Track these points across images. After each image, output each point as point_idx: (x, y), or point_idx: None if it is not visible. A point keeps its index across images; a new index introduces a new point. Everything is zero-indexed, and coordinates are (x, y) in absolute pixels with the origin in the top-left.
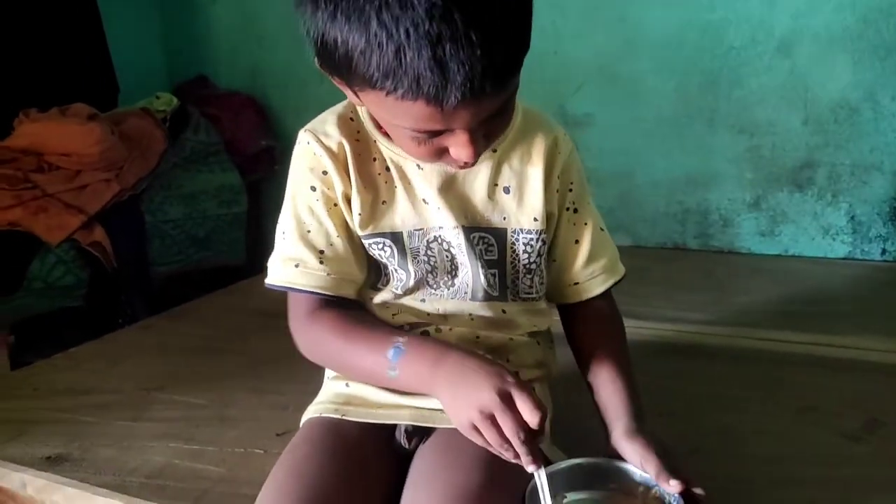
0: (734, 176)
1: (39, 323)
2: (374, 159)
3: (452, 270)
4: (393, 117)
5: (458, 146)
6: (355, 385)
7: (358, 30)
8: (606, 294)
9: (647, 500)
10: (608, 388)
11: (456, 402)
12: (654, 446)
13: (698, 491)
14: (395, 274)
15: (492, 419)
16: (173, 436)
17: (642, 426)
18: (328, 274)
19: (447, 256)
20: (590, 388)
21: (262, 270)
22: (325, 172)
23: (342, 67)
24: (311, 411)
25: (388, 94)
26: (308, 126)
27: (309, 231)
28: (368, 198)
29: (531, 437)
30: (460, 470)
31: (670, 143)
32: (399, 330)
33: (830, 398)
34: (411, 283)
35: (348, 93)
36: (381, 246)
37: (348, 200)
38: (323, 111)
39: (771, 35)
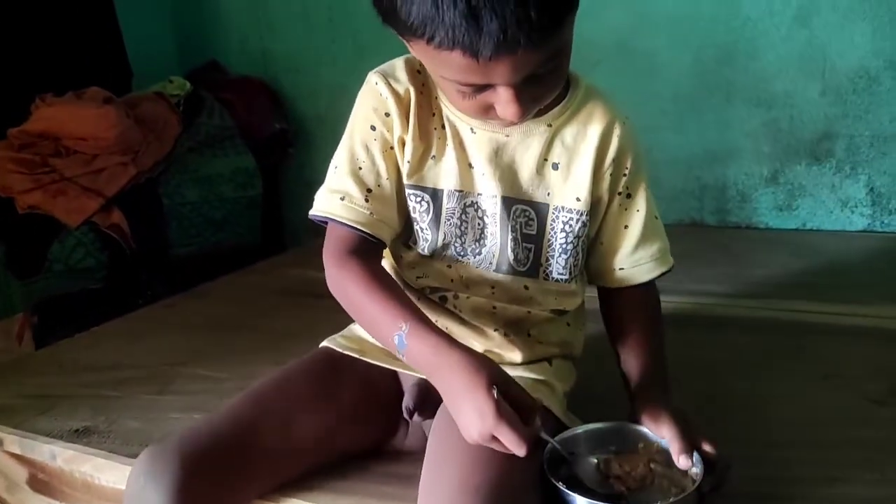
0: (751, 150)
1: (62, 304)
2: (434, 114)
3: (481, 239)
4: (436, 67)
5: (502, 103)
6: None
7: None
8: (651, 282)
9: (653, 456)
10: (635, 360)
11: (455, 419)
12: (674, 416)
13: (709, 449)
14: (421, 233)
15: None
16: (198, 408)
17: (665, 397)
18: (370, 213)
19: (478, 224)
20: (618, 358)
21: (278, 252)
22: (387, 114)
23: (389, 15)
24: (329, 341)
25: (427, 42)
26: (378, 68)
27: (360, 168)
28: (420, 148)
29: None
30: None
31: (687, 119)
32: (407, 307)
33: (854, 364)
34: (438, 244)
35: (407, 45)
36: (419, 199)
37: (403, 145)
38: (334, 94)
39: (788, 4)
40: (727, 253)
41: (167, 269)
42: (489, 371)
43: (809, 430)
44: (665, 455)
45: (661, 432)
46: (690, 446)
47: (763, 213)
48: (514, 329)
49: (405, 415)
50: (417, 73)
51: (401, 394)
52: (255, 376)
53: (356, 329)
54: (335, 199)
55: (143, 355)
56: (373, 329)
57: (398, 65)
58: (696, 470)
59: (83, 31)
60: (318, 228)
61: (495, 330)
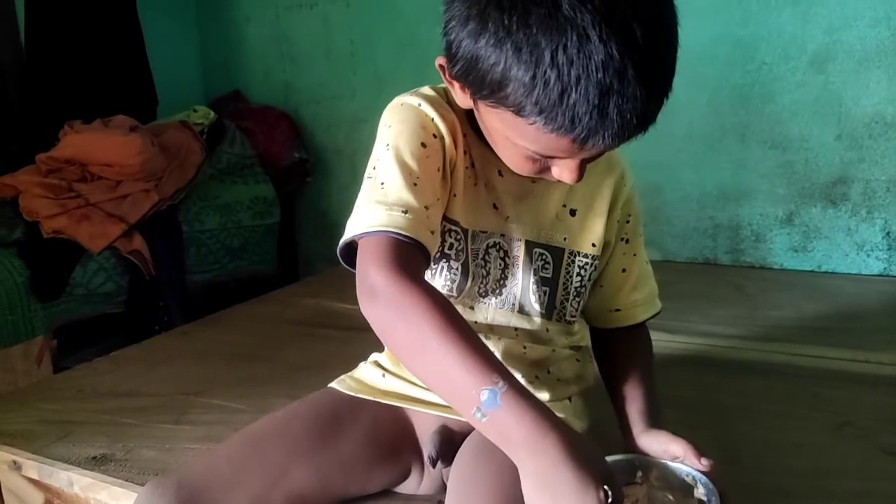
0: (766, 191)
1: (80, 328)
2: (465, 152)
3: (501, 280)
4: (519, 138)
5: (566, 170)
6: (392, 380)
7: (526, 63)
8: (642, 323)
9: (653, 483)
10: (631, 396)
11: (538, 500)
12: (676, 436)
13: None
14: (448, 271)
15: None
16: (213, 438)
17: (659, 425)
18: (432, 232)
19: (500, 265)
20: (613, 396)
21: (292, 280)
22: (435, 136)
23: (486, 87)
24: (337, 382)
25: (532, 123)
26: (410, 93)
27: (416, 183)
28: (460, 181)
29: None
30: (503, 476)
31: (701, 158)
32: (497, 361)
33: (869, 414)
34: (466, 284)
35: (463, 97)
36: (457, 235)
37: (452, 170)
38: (353, 127)
39: (804, 50)
40: (741, 293)
41: (184, 296)
42: (600, 467)
43: (822, 481)
44: (663, 482)
45: (671, 450)
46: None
47: (777, 254)
48: (540, 368)
49: (428, 464)
50: (449, 104)
51: (412, 436)
52: (270, 408)
53: (366, 371)
54: (397, 213)
55: (159, 383)
56: (445, 371)
57: (431, 92)
58: (711, 501)
59: (112, 59)
60: (333, 257)
61: (523, 373)
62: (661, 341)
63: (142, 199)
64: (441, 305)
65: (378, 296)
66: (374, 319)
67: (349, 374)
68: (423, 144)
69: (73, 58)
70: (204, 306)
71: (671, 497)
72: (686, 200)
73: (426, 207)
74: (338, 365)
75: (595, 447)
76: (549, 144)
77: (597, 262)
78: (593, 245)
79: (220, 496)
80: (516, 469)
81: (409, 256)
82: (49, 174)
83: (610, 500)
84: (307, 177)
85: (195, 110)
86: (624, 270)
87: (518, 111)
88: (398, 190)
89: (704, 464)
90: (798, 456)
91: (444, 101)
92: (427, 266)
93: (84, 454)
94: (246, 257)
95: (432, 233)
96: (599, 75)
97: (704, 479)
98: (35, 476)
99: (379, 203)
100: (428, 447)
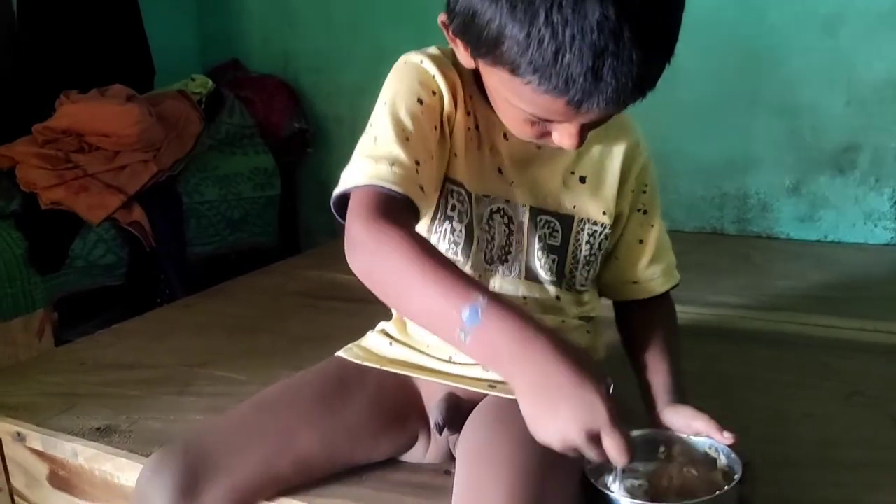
0: (774, 159)
1: (81, 301)
2: (469, 113)
3: (507, 247)
4: (516, 99)
5: (566, 135)
6: (399, 348)
7: (521, 21)
8: (666, 294)
9: (677, 458)
10: (654, 369)
11: (537, 420)
12: (700, 411)
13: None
14: (451, 234)
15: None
16: (218, 409)
17: (687, 400)
18: (421, 187)
19: (504, 231)
20: (636, 369)
21: (294, 252)
22: (434, 92)
23: (483, 44)
24: (345, 351)
25: (527, 83)
26: (416, 51)
27: (408, 139)
28: (461, 141)
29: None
30: (516, 446)
31: (708, 126)
32: (476, 282)
33: (878, 383)
34: (472, 249)
35: (465, 55)
36: (459, 196)
37: (451, 126)
38: (354, 95)
39: (814, 13)
40: (748, 263)
41: (185, 268)
42: (594, 366)
43: (831, 451)
44: (686, 457)
45: (694, 425)
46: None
47: (784, 224)
48: None
49: (435, 431)
50: (454, 66)
51: (419, 405)
52: (274, 379)
53: (373, 340)
54: (382, 166)
55: (162, 355)
56: (425, 303)
57: (437, 51)
58: (735, 469)
59: (108, 28)
60: (336, 229)
61: None
62: None
63: (140, 169)
64: (415, 240)
65: (356, 245)
66: (357, 269)
67: (356, 342)
68: (420, 100)
69: (66, 26)
70: (205, 278)
71: (695, 472)
72: (693, 170)
73: (417, 162)
74: (342, 336)
75: (586, 351)
76: (545, 106)
77: (608, 230)
78: (604, 213)
79: (227, 461)
80: (531, 438)
81: (392, 208)
82: (46, 144)
83: (610, 395)
84: (307, 147)
85: (193, 79)
86: (641, 242)
87: (513, 70)
88: (388, 144)
89: (727, 437)
90: (807, 426)
91: (449, 60)
92: (416, 220)
93: (88, 426)
94: (247, 229)
95: (422, 188)
96: (594, 36)
97: (727, 449)
98: (39, 447)
99: (368, 157)
100: (434, 414)
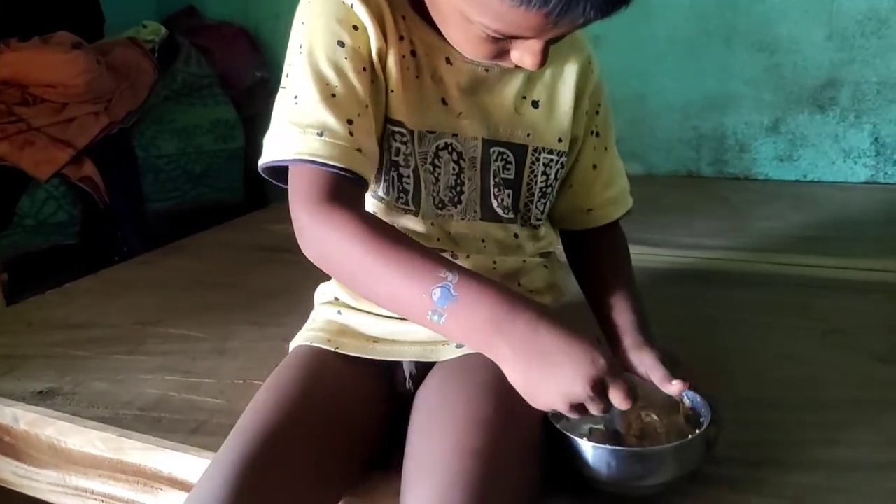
0: (752, 98)
1: (33, 261)
2: (402, 37)
3: (456, 186)
4: (479, 14)
5: (528, 53)
6: (349, 314)
7: None
8: (617, 222)
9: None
10: (615, 306)
11: (533, 385)
12: (662, 356)
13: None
14: (400, 181)
15: (579, 405)
16: (170, 368)
17: (649, 339)
18: (357, 149)
19: (453, 169)
20: (594, 307)
21: (262, 207)
22: (355, 27)
23: None
24: (301, 338)
25: None
26: None
27: (334, 95)
28: (396, 74)
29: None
30: (473, 400)
31: (685, 64)
32: (440, 256)
33: (858, 320)
34: (421, 193)
35: None
36: (403, 138)
37: (384, 62)
38: None
39: None
40: (725, 205)
41: (143, 225)
42: (581, 326)
43: (811, 391)
44: (646, 400)
45: (643, 362)
46: (670, 374)
47: (763, 164)
48: (510, 282)
49: (408, 385)
50: None
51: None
52: (231, 336)
53: (323, 313)
54: (311, 136)
55: (115, 314)
56: (390, 288)
57: None
58: (702, 413)
59: None
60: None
61: None
62: (644, 255)
63: (90, 122)
64: (368, 224)
65: (305, 234)
66: (311, 258)
67: (307, 327)
68: (341, 43)
69: None
70: (167, 236)
71: (655, 416)
72: (669, 110)
73: (349, 122)
74: (303, 289)
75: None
76: (516, 21)
77: (564, 158)
78: (559, 140)
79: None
80: (491, 390)
81: (334, 186)
82: None
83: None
84: (270, 97)
85: (144, 26)
86: (595, 167)
87: None
88: (313, 107)
89: (675, 385)
90: (788, 366)
91: None
92: (363, 190)
93: (29, 388)
94: (209, 184)
95: (360, 150)
96: None
97: (691, 392)
98: None
99: (293, 124)
100: (408, 366)
